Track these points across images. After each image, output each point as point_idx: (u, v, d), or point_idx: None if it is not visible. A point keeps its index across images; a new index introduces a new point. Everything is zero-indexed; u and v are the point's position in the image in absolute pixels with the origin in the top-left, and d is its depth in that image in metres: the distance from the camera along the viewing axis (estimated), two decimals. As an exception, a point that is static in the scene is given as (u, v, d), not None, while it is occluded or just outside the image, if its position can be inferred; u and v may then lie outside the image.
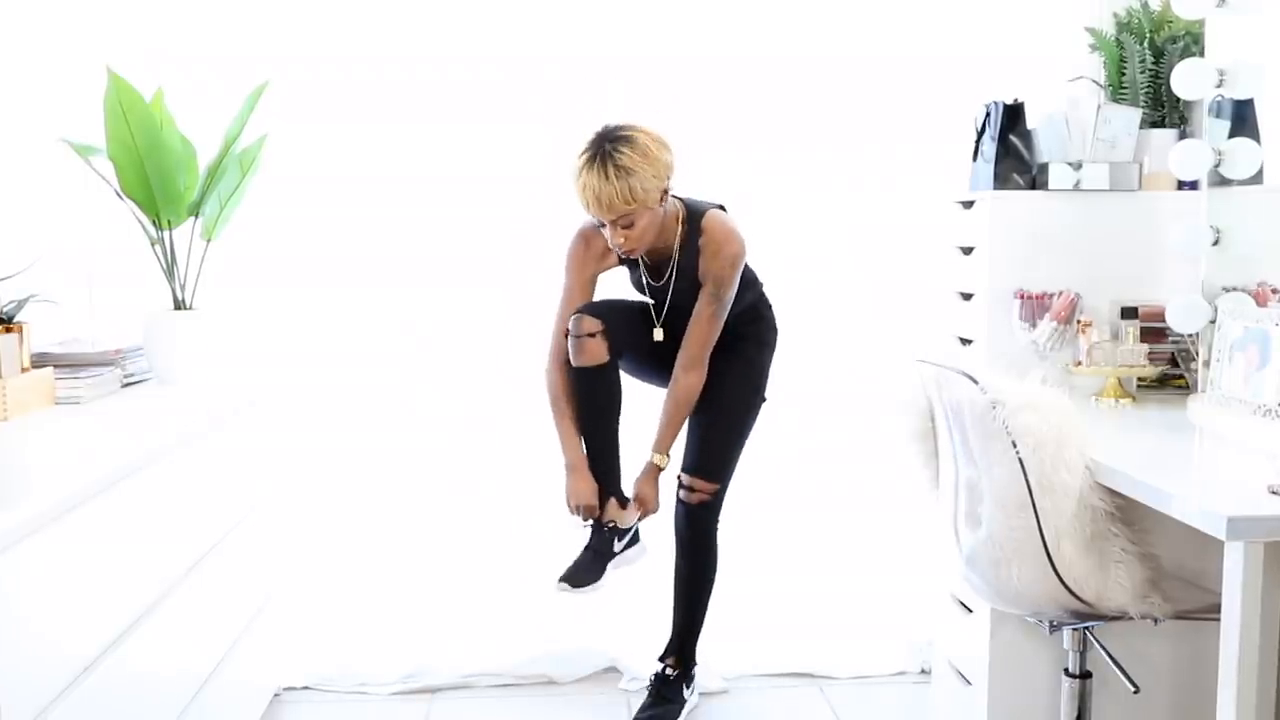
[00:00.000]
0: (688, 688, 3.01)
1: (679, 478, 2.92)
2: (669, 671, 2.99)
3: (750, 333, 2.90)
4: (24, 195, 2.93)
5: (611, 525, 2.82)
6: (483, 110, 3.27)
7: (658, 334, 2.85)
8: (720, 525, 2.97)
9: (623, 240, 2.66)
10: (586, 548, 2.82)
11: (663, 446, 2.83)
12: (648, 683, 3.02)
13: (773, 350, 2.95)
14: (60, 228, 2.99)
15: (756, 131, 3.32)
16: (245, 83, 2.94)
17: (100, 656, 1.94)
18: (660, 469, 2.85)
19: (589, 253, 2.83)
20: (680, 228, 2.77)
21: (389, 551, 3.35)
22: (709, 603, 3.01)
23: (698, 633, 3.02)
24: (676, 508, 2.94)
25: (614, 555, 2.83)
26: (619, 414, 2.83)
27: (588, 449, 2.83)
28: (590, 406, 2.80)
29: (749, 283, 2.88)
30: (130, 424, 2.41)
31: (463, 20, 3.24)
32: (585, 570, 2.78)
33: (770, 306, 2.97)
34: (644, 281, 2.86)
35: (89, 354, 2.73)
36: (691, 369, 2.79)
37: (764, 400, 2.94)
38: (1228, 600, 1.70)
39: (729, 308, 2.79)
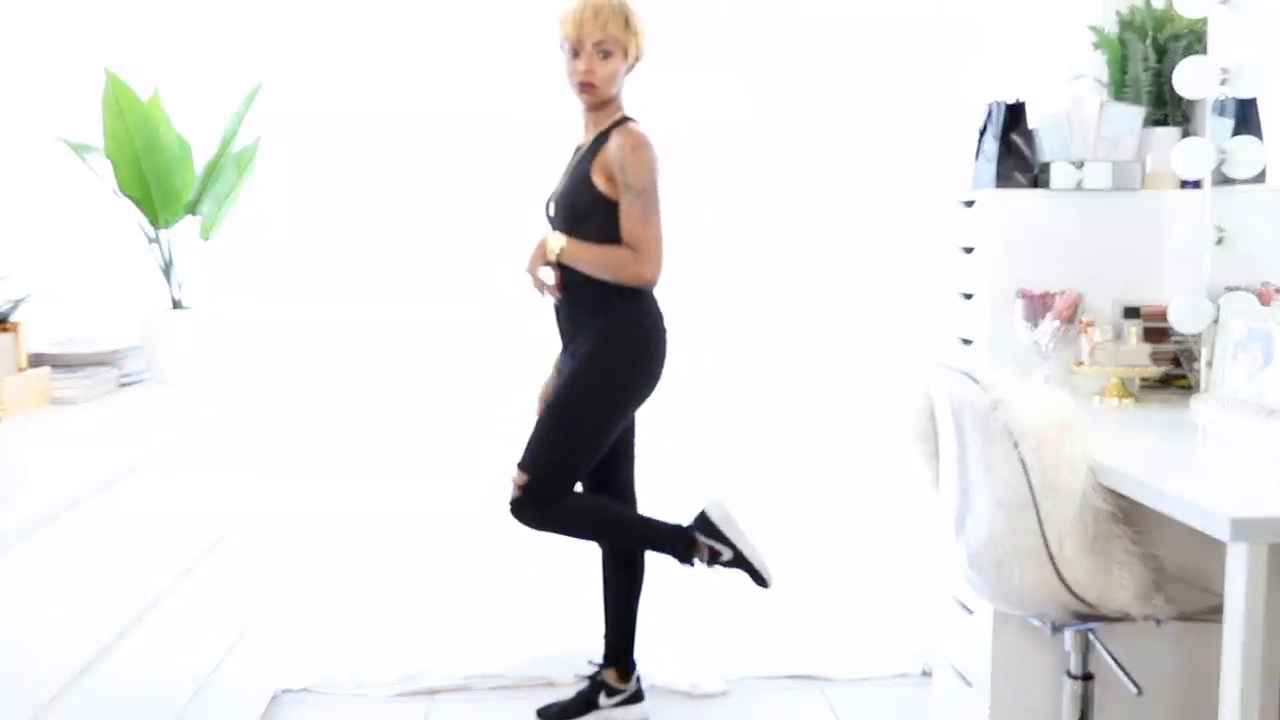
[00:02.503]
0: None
1: None
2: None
3: (598, 328, 2.76)
4: (21, 194, 2.92)
5: (603, 681, 2.98)
6: (484, 108, 3.26)
7: (550, 209, 2.86)
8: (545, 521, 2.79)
9: (592, 70, 2.70)
10: (579, 692, 3.00)
11: (569, 243, 2.73)
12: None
13: (628, 362, 2.77)
14: (57, 227, 2.98)
15: (757, 131, 3.31)
16: (242, 83, 2.93)
17: (98, 658, 1.93)
18: (548, 246, 2.74)
19: None
20: (611, 121, 2.79)
21: (388, 552, 3.34)
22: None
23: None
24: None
25: (599, 708, 2.97)
26: (640, 590, 2.96)
27: (612, 622, 2.97)
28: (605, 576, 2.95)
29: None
30: (127, 424, 2.39)
31: (465, 21, 3.23)
32: (564, 711, 2.98)
33: (638, 322, 2.78)
34: (567, 165, 2.87)
35: (85, 354, 2.72)
36: (632, 249, 2.71)
37: (613, 397, 2.78)
38: (1230, 602, 1.69)
39: (658, 203, 2.71)
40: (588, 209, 2.74)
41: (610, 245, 2.73)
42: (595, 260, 2.74)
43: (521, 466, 2.77)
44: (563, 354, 2.90)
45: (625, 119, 2.79)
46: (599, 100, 2.76)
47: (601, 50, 2.70)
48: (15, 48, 2.96)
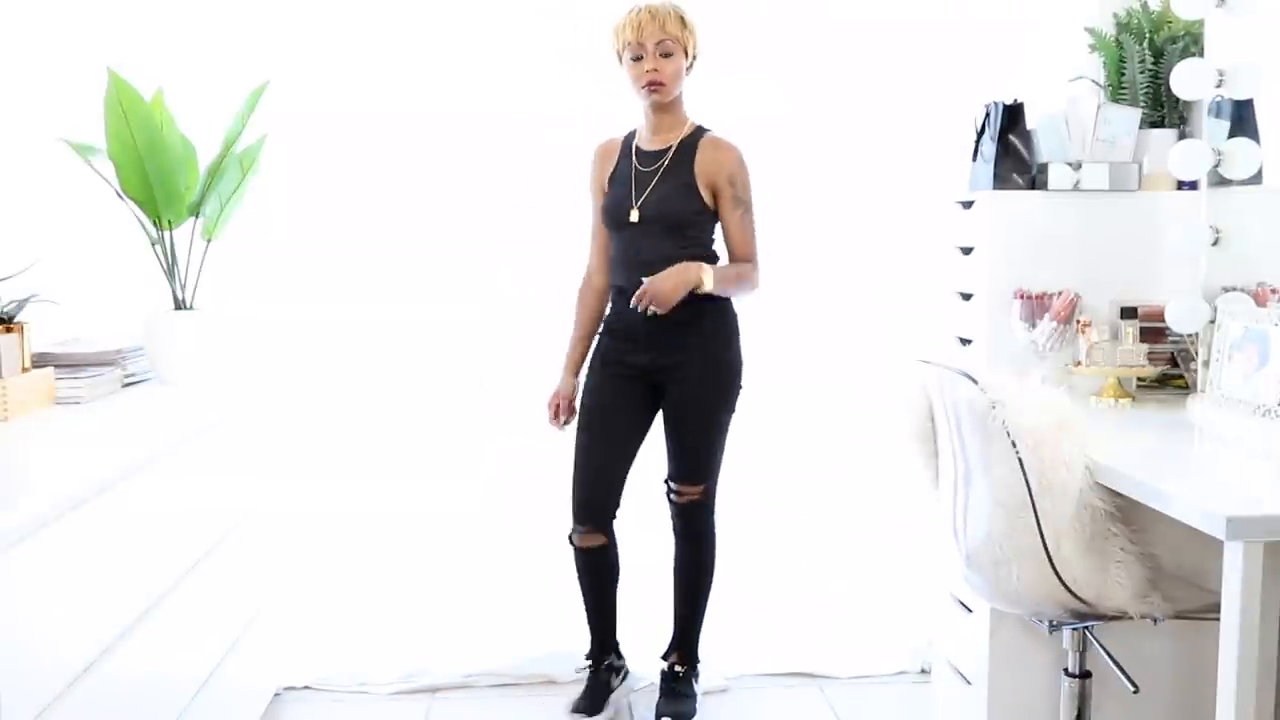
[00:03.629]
0: (696, 683, 3.02)
1: (667, 483, 2.94)
2: (678, 669, 3.00)
3: (709, 332, 2.86)
4: (24, 195, 2.93)
5: (607, 664, 3.02)
6: (487, 108, 3.27)
7: (633, 215, 2.82)
8: (716, 518, 2.98)
9: (655, 71, 2.74)
10: (588, 685, 3.01)
11: (712, 272, 2.77)
12: (654, 682, 3.05)
13: (739, 356, 2.91)
14: (60, 228, 2.99)
15: (756, 131, 3.31)
16: (245, 83, 2.93)
17: (100, 656, 1.94)
18: (700, 283, 2.74)
19: (603, 167, 2.93)
20: (687, 127, 2.86)
21: (389, 551, 3.35)
22: (710, 596, 3.02)
23: (701, 627, 3.02)
24: (670, 506, 2.96)
25: (612, 690, 3.02)
26: (617, 583, 2.99)
27: (591, 615, 3.01)
28: (593, 580, 2.97)
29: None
30: (130, 424, 2.41)
31: (467, 21, 3.24)
32: (592, 701, 2.97)
33: (736, 315, 2.92)
34: (632, 169, 2.85)
35: (89, 354, 2.73)
36: (746, 263, 2.86)
37: (739, 390, 2.92)
38: (1227, 600, 1.71)
39: (753, 212, 2.86)
40: (690, 219, 2.81)
41: (734, 263, 2.87)
42: (736, 281, 2.84)
43: (692, 479, 2.90)
44: (631, 358, 2.87)
45: (703, 127, 2.87)
46: (666, 99, 2.80)
47: (662, 50, 2.75)
48: (17, 48, 2.97)
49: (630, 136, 2.93)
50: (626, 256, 2.85)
